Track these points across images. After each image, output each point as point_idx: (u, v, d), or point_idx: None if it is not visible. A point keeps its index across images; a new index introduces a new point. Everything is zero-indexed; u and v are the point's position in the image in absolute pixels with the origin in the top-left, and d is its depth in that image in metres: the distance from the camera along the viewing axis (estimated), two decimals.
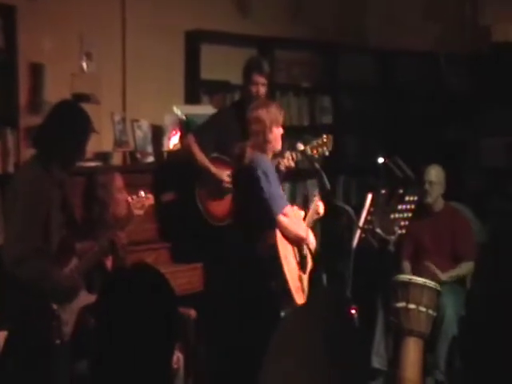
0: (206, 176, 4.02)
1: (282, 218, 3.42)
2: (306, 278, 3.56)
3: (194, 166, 4.04)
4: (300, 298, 3.43)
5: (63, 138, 3.03)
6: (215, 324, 3.84)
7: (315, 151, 3.81)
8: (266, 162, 3.46)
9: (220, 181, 4.01)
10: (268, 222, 3.41)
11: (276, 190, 3.43)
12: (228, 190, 3.98)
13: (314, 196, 3.67)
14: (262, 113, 3.49)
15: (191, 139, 4.07)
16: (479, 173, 5.48)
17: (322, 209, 3.66)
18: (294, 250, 3.53)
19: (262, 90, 4.03)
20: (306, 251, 3.56)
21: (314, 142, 3.83)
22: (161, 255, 4.11)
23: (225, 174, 4.00)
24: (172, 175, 4.25)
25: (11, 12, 3.85)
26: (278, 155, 3.68)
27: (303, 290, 3.51)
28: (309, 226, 3.62)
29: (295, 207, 3.71)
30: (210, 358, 3.92)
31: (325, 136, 3.85)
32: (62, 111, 3.13)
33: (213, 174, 4.01)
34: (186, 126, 4.43)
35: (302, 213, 3.65)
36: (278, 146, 3.55)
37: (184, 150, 4.18)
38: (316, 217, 3.66)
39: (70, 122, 3.07)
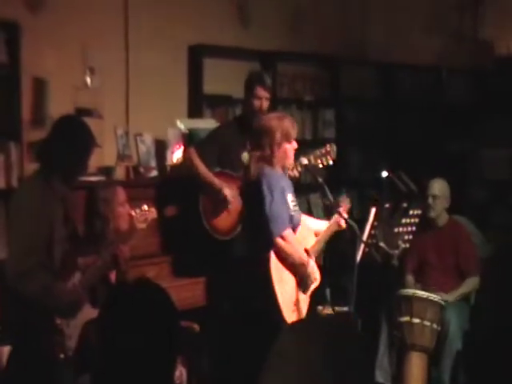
0: (210, 190, 4.02)
1: (279, 241, 3.32)
2: (305, 298, 3.49)
3: (196, 179, 4.05)
4: (295, 319, 3.34)
5: (65, 152, 3.04)
6: (218, 337, 3.82)
7: (319, 161, 3.79)
8: (273, 178, 3.37)
9: (223, 195, 4.00)
10: (265, 241, 3.34)
11: (278, 210, 3.32)
12: (232, 208, 3.97)
13: (340, 207, 3.58)
14: (273, 125, 3.39)
15: (193, 153, 4.06)
16: (482, 185, 5.49)
17: (343, 221, 3.58)
18: (292, 271, 3.43)
19: (265, 103, 4.02)
20: (308, 277, 3.45)
21: (318, 152, 3.81)
22: (163, 269, 4.10)
23: (229, 191, 3.97)
24: (175, 189, 4.24)
25: (14, 27, 3.88)
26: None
27: (299, 312, 3.43)
28: (326, 238, 3.57)
29: (311, 219, 3.66)
30: (212, 372, 3.91)
31: (328, 145, 3.83)
32: (63, 126, 3.15)
33: (216, 187, 3.99)
34: (188, 140, 4.44)
35: (326, 223, 3.60)
36: (288, 161, 3.44)
37: (186, 163, 4.18)
38: (337, 229, 3.59)
39: (71, 136, 3.08)
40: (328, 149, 3.81)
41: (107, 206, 3.45)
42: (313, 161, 3.76)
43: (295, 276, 3.44)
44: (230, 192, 3.96)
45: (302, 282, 3.47)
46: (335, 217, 3.57)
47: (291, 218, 3.43)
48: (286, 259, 3.37)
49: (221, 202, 4.01)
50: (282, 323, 3.26)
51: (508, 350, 3.66)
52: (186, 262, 4.14)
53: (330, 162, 3.82)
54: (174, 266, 4.17)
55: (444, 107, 5.78)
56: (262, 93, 4.00)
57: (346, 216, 3.55)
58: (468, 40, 5.64)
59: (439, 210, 4.27)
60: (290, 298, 3.39)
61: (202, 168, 4.01)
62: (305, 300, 3.49)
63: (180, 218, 4.19)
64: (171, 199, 4.21)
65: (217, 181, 3.99)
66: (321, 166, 3.79)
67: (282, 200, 3.35)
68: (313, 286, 3.53)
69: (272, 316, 3.28)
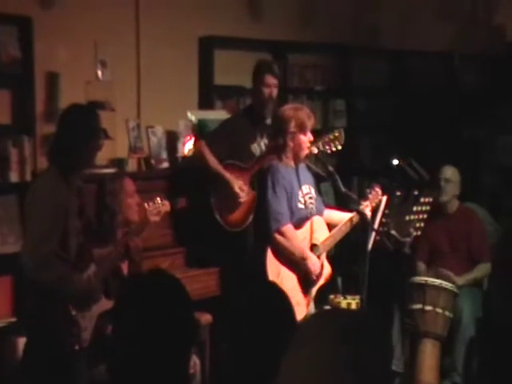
0: (220, 182, 4.01)
1: (277, 236, 3.33)
2: (313, 290, 3.48)
3: (207, 171, 4.02)
4: (298, 313, 3.35)
5: (70, 140, 3.04)
6: (232, 328, 3.81)
7: (327, 147, 3.76)
8: (280, 172, 3.36)
9: (232, 190, 3.94)
10: (265, 235, 3.35)
11: (277, 206, 3.32)
12: (242, 201, 3.95)
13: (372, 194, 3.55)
14: (288, 115, 3.40)
15: (203, 146, 4.03)
16: (495, 172, 5.44)
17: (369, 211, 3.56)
18: (294, 267, 3.42)
19: (275, 91, 4.00)
20: (309, 272, 3.42)
21: (326, 138, 3.78)
22: (176, 260, 4.11)
23: (237, 185, 3.93)
24: (186, 181, 4.23)
25: (27, 23, 3.89)
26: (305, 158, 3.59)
27: (306, 305, 3.43)
28: (340, 235, 3.54)
29: (335, 212, 3.61)
30: (227, 362, 3.90)
31: (336, 131, 3.80)
32: (65, 116, 3.16)
33: (227, 180, 3.95)
34: (198, 131, 4.42)
35: (350, 215, 3.53)
36: (302, 153, 3.45)
37: (197, 156, 4.14)
38: (350, 228, 3.55)
39: (72, 123, 3.09)
40: (336, 134, 3.78)
41: (114, 199, 3.44)
42: (321, 147, 3.73)
43: (297, 274, 3.41)
44: (239, 186, 3.94)
45: (305, 280, 3.45)
46: (350, 215, 3.55)
47: (297, 212, 3.41)
48: (284, 254, 3.36)
49: (231, 196, 3.99)
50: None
51: None
52: (199, 253, 4.14)
53: (339, 148, 3.78)
54: (187, 257, 4.17)
55: (456, 94, 5.73)
56: (272, 80, 3.99)
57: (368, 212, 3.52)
58: (481, 25, 5.58)
59: (450, 195, 4.25)
60: (291, 293, 3.35)
61: (212, 161, 3.97)
62: (312, 292, 3.47)
63: (192, 209, 4.18)
64: (182, 191, 4.19)
65: (227, 175, 3.96)
66: (329, 151, 3.76)
67: (283, 196, 3.35)
68: (317, 285, 3.51)
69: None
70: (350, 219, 3.54)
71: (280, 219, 3.34)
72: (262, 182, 3.44)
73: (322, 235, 3.52)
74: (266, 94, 3.98)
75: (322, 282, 3.56)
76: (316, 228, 3.51)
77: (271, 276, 3.31)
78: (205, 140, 4.09)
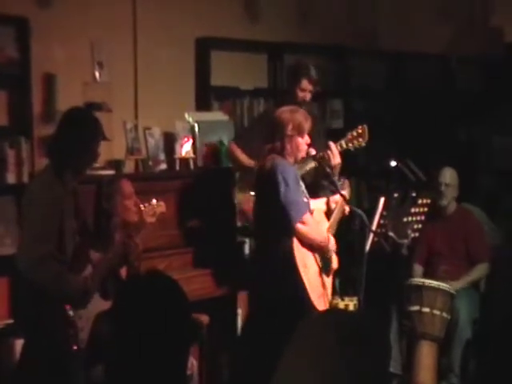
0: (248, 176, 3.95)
1: (300, 226, 3.33)
2: (329, 281, 3.52)
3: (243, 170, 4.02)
4: (322, 304, 3.37)
5: (73, 142, 3.05)
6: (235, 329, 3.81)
7: (351, 144, 3.72)
8: (286, 167, 3.38)
9: None
10: (285, 229, 3.34)
11: (295, 197, 3.34)
12: None
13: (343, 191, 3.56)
14: (285, 118, 3.41)
15: (233, 146, 4.06)
16: (491, 173, 5.46)
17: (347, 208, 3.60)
18: (314, 255, 3.46)
19: (309, 96, 3.98)
20: (330, 254, 3.49)
21: (349, 135, 3.74)
22: (172, 262, 4.10)
23: None
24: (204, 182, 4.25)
25: (24, 24, 3.88)
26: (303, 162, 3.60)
27: (326, 295, 3.46)
28: (336, 225, 3.58)
29: (319, 200, 3.64)
30: (228, 363, 3.91)
31: (360, 127, 3.76)
32: (69, 117, 3.16)
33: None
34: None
35: (323, 200, 3.58)
36: (299, 155, 3.46)
37: (229, 157, 4.14)
38: (341, 215, 3.59)
39: (77, 126, 3.09)
40: (360, 130, 3.73)
41: (110, 201, 3.43)
42: (344, 145, 3.70)
43: (317, 260, 3.45)
44: None
45: (325, 264, 3.48)
46: (341, 202, 3.56)
47: (307, 204, 3.45)
48: (308, 243, 3.38)
49: None
50: (312, 310, 3.26)
51: None
52: (197, 254, 4.14)
53: (363, 145, 3.74)
54: (184, 258, 4.16)
55: (454, 95, 5.73)
56: (307, 86, 3.96)
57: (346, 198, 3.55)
58: (478, 27, 5.58)
59: (450, 198, 4.26)
60: (315, 283, 3.40)
61: (243, 158, 3.97)
62: (329, 283, 3.52)
63: (203, 228, 4.17)
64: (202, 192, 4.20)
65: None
66: (353, 149, 3.73)
67: (296, 187, 3.36)
68: (330, 276, 3.54)
69: (302, 304, 3.28)
70: (341, 205, 3.57)
71: (299, 209, 3.34)
72: (267, 180, 3.39)
73: (323, 226, 3.55)
74: (300, 97, 3.95)
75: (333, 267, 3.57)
76: (319, 219, 3.53)
77: (300, 267, 3.32)
78: (234, 141, 4.10)
